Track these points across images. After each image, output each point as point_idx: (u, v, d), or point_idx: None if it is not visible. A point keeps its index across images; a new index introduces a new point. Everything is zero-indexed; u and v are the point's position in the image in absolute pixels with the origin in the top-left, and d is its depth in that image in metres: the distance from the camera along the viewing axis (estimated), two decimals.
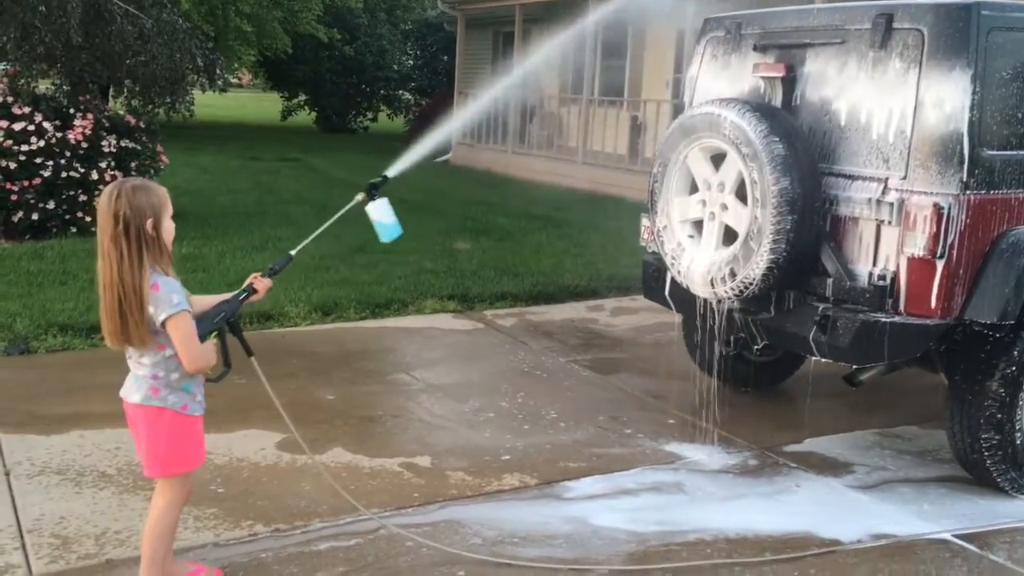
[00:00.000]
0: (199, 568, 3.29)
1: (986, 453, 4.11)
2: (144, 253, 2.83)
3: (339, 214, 3.65)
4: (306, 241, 3.61)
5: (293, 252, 3.47)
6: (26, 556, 3.41)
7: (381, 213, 3.62)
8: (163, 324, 2.86)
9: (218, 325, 3.07)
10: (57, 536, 3.56)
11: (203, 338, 3.01)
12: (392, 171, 3.88)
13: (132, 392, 2.99)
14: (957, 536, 3.82)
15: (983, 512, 4.05)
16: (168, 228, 2.92)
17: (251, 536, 3.62)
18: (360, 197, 3.62)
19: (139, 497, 3.89)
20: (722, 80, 4.87)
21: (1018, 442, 4.11)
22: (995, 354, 4.04)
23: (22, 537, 3.55)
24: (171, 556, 3.19)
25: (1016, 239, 3.97)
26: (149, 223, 2.84)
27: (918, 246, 3.93)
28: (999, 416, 4.05)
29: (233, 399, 4.52)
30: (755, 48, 4.66)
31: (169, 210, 2.93)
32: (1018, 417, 4.09)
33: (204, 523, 3.71)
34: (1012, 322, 3.94)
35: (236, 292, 3.19)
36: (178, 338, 2.88)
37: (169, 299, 2.85)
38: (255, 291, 3.20)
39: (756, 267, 4.15)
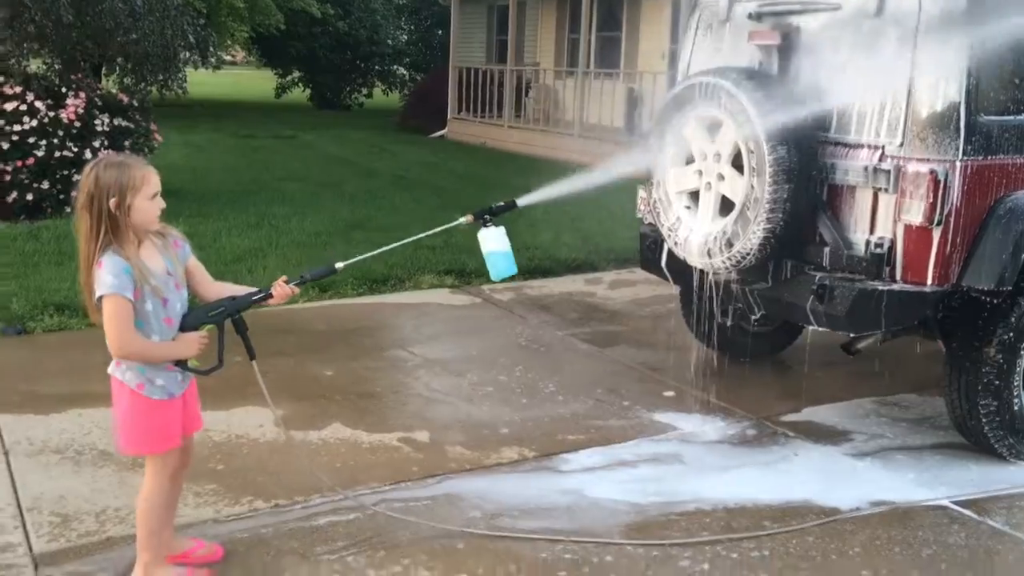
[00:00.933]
0: (199, 544, 3.30)
1: (984, 419, 4.12)
2: (103, 231, 2.77)
3: (434, 231, 3.28)
4: (355, 259, 3.35)
5: (339, 265, 3.20)
6: (26, 534, 3.42)
7: (497, 243, 3.17)
8: (99, 303, 2.82)
9: (213, 319, 2.98)
10: (57, 514, 3.56)
11: (191, 328, 2.95)
12: (523, 200, 3.39)
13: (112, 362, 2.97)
14: (955, 502, 3.83)
15: (981, 478, 4.07)
16: (142, 208, 2.82)
17: (251, 512, 3.63)
18: (467, 219, 3.20)
19: (138, 475, 3.85)
20: (717, 49, 4.83)
21: (1016, 408, 4.11)
22: (993, 320, 4.03)
23: (22, 515, 3.55)
24: (171, 532, 3.19)
25: (1014, 205, 3.95)
26: (112, 201, 2.77)
27: (915, 213, 3.91)
28: (997, 382, 4.05)
29: (230, 376, 4.46)
30: (750, 16, 4.61)
31: (147, 191, 2.83)
32: (1016, 383, 4.09)
33: (204, 499, 3.71)
34: (1009, 288, 3.93)
35: (251, 292, 3.08)
36: (104, 319, 2.81)
37: (105, 279, 2.77)
38: (271, 296, 3.07)
39: (753, 237, 4.14)
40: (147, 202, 2.84)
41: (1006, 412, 4.10)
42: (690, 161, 4.51)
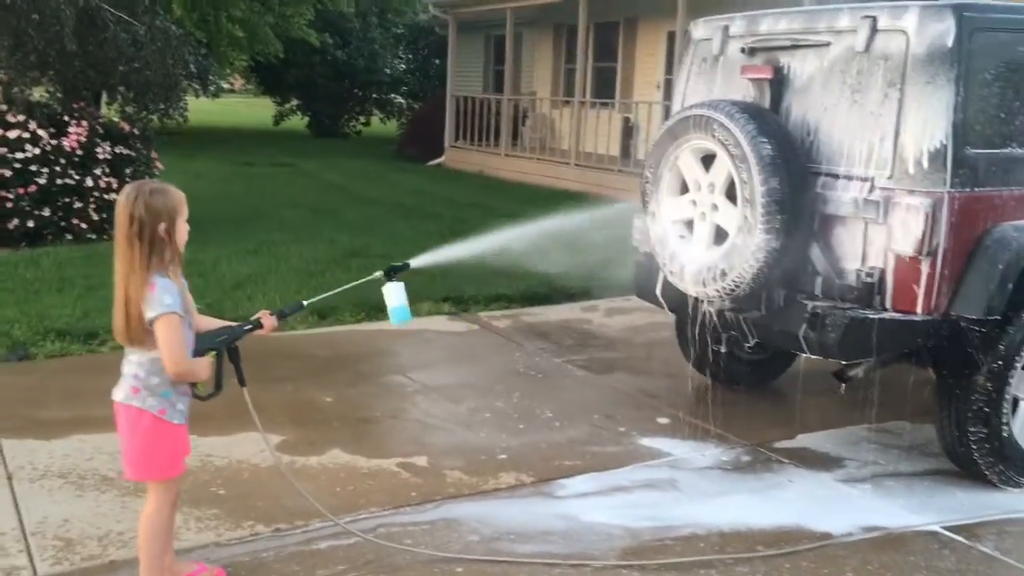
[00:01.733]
0: (201, 567, 3.35)
1: (974, 446, 4.19)
2: (153, 255, 2.89)
3: (355, 284, 3.87)
4: (321, 296, 3.82)
5: (306, 302, 3.59)
6: (30, 558, 3.46)
7: (396, 297, 3.68)
8: (152, 323, 2.91)
9: (217, 346, 3.13)
10: (60, 538, 3.61)
11: (201, 353, 3.07)
12: (415, 261, 3.98)
13: (118, 390, 3.04)
14: (946, 528, 3.90)
15: (971, 504, 4.13)
16: (182, 231, 2.98)
17: (252, 536, 3.68)
18: (378, 275, 3.73)
19: (140, 500, 3.91)
20: (711, 82, 4.94)
21: (1004, 435, 4.18)
22: (981, 349, 4.11)
23: (26, 539, 3.60)
24: (172, 556, 3.24)
25: (1000, 235, 4.04)
26: (162, 226, 2.90)
27: (904, 244, 4.00)
28: (986, 410, 4.12)
29: (232, 403, 4.53)
30: (742, 51, 4.73)
31: (184, 214, 2.99)
32: (1004, 411, 4.16)
33: (205, 524, 3.76)
34: (997, 317, 4.01)
35: (242, 322, 3.27)
36: (163, 338, 2.90)
37: (161, 300, 2.89)
38: (261, 326, 3.27)
39: (746, 266, 4.22)
40: (185, 224, 2.99)
41: (995, 439, 4.17)
42: (685, 191, 4.61)
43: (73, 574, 3.37)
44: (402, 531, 3.72)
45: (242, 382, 3.25)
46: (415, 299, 7.35)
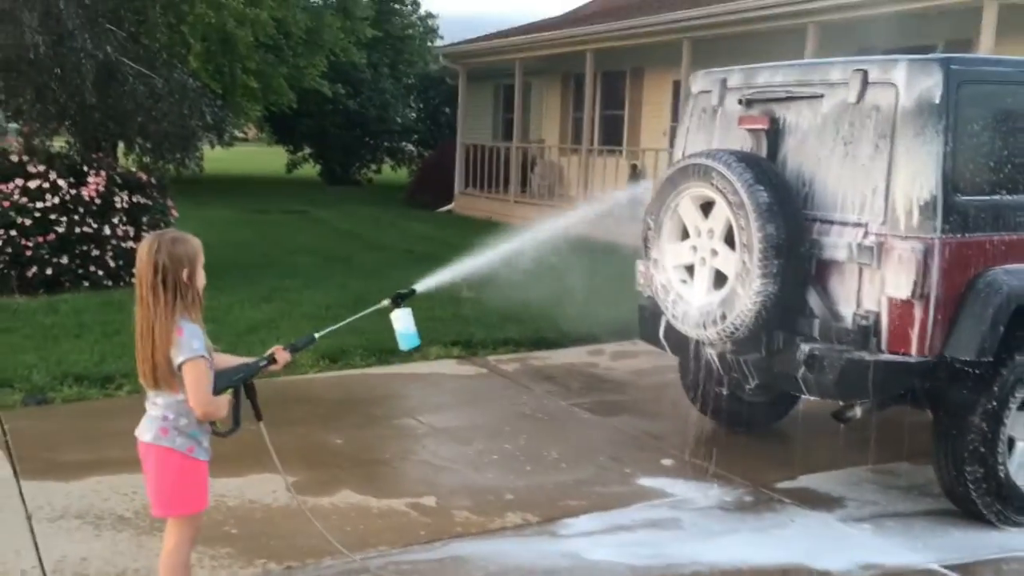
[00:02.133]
0: None
1: (971, 486, 4.27)
2: (178, 301, 3.03)
3: (363, 313, 3.85)
4: (332, 328, 3.79)
5: (317, 335, 3.61)
6: None
7: (404, 323, 3.72)
8: (180, 367, 3.05)
9: (235, 383, 3.24)
10: (79, 575, 3.72)
11: (220, 391, 3.18)
12: (420, 285, 4.03)
13: (144, 431, 3.17)
14: (944, 566, 3.97)
15: (969, 543, 4.20)
16: (201, 277, 3.12)
17: (264, 573, 3.78)
18: (386, 303, 3.75)
19: (156, 538, 4.03)
20: (710, 132, 5.11)
21: (1001, 475, 4.27)
22: (976, 390, 4.21)
23: None
24: None
25: (992, 279, 4.16)
26: (184, 273, 3.04)
27: (898, 288, 4.12)
28: (982, 450, 4.21)
29: (245, 444, 4.64)
30: (740, 102, 4.90)
31: (202, 260, 3.13)
32: (1000, 451, 4.25)
33: (219, 562, 3.87)
34: (990, 359, 4.12)
35: (257, 359, 3.38)
36: (190, 381, 3.03)
37: (190, 344, 3.04)
38: (275, 361, 3.37)
39: (745, 309, 4.35)
40: (202, 271, 3.13)
41: (992, 479, 4.25)
42: (685, 237, 4.75)
43: None
44: (412, 568, 3.83)
45: (259, 416, 3.35)
46: (424, 344, 7.52)
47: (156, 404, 3.15)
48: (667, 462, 5.17)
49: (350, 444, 5.35)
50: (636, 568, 3.89)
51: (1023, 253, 4.30)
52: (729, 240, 4.47)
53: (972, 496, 4.29)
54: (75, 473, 4.77)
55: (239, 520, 4.27)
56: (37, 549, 3.95)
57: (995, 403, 4.21)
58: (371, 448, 5.31)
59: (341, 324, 3.98)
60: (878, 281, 4.21)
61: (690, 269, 4.75)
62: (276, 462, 3.45)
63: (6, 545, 3.97)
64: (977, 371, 4.20)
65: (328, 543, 3.90)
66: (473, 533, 4.21)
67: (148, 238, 3.10)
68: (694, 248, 4.69)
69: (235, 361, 3.35)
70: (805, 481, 4.92)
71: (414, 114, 29.87)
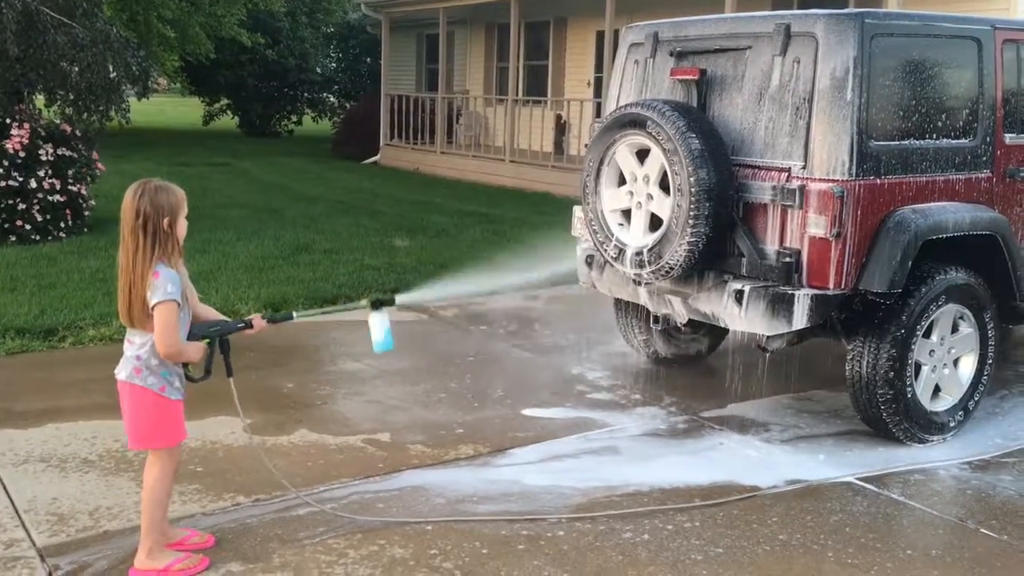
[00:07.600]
0: (192, 532, 3.65)
1: (883, 408, 4.68)
2: (156, 246, 3.19)
3: (341, 308, 4.25)
4: (312, 312, 4.30)
5: (295, 315, 3.87)
6: (27, 531, 3.72)
7: (380, 328, 3.82)
8: (153, 308, 3.21)
9: (210, 335, 3.45)
10: (53, 514, 3.87)
11: (195, 339, 3.38)
12: (402, 297, 4.29)
13: (120, 369, 3.34)
14: (859, 479, 4.38)
15: (882, 458, 4.63)
16: (182, 226, 3.29)
17: (234, 506, 3.99)
18: (364, 303, 3.89)
19: (124, 478, 4.21)
20: (643, 83, 5.37)
21: (909, 396, 4.69)
22: (886, 320, 4.61)
23: (19, 516, 3.84)
24: (167, 522, 3.54)
25: (901, 218, 4.54)
26: (165, 221, 3.21)
27: (817, 227, 4.47)
28: (892, 375, 4.62)
29: (201, 390, 4.84)
30: (671, 54, 5.17)
31: (184, 210, 3.29)
32: (908, 374, 4.67)
33: (189, 497, 4.05)
34: (899, 291, 4.52)
35: (236, 320, 3.59)
36: (159, 322, 3.21)
37: (164, 287, 3.20)
38: (251, 326, 3.55)
39: (679, 250, 4.65)
40: (185, 220, 3.29)
41: (901, 401, 4.67)
42: (622, 183, 5.02)
43: (71, 544, 3.64)
44: (374, 497, 4.07)
45: (229, 372, 3.56)
46: (363, 292, 7.70)
47: (132, 343, 3.32)
48: (604, 396, 5.50)
49: (301, 387, 5.54)
50: (582, 490, 4.20)
51: (930, 194, 4.70)
52: (664, 185, 4.76)
53: (883, 417, 4.71)
54: (33, 421, 4.87)
55: (203, 459, 4.45)
56: (7, 491, 4.07)
57: (903, 331, 4.61)
58: (323, 390, 5.51)
59: (319, 311, 4.57)
60: (799, 221, 4.56)
61: (627, 213, 5.03)
62: (237, 405, 3.65)
63: None
64: (888, 302, 4.59)
65: (289, 477, 4.10)
66: (429, 464, 4.47)
67: (134, 185, 3.25)
68: (631, 193, 4.96)
69: (216, 315, 3.54)
70: (733, 409, 5.31)
71: (334, 64, 29.50)
